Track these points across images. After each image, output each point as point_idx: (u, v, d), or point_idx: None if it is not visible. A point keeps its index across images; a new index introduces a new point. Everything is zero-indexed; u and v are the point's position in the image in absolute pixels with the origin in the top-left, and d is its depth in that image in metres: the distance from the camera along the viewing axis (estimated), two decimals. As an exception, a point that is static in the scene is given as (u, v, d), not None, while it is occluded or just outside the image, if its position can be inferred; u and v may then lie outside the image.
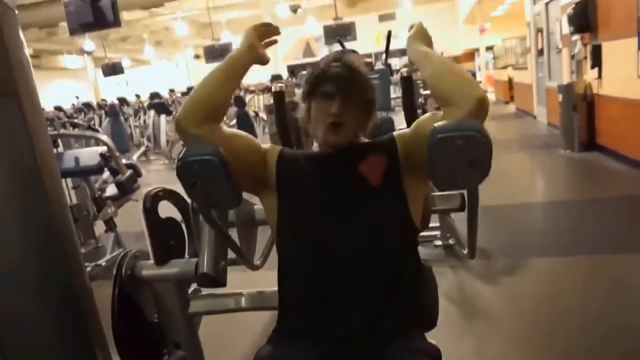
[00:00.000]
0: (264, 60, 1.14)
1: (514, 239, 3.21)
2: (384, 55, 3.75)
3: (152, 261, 1.33)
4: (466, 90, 0.95)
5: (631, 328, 2.02)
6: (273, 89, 1.36)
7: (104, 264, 3.27)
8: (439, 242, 3.11)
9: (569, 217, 3.58)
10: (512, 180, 4.88)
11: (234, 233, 1.33)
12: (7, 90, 0.95)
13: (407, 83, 1.40)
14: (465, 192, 1.07)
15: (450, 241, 3.09)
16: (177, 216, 1.45)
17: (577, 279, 2.58)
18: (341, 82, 1.07)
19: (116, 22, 7.16)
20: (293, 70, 17.97)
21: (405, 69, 1.37)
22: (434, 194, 1.38)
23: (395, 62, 15.33)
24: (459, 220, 2.78)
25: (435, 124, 0.92)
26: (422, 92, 5.72)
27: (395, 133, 1.15)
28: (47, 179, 1.12)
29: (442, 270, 2.77)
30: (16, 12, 1.00)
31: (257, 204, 1.36)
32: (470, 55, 19.47)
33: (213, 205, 1.11)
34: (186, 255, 1.43)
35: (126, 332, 1.29)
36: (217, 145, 1.02)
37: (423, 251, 2.97)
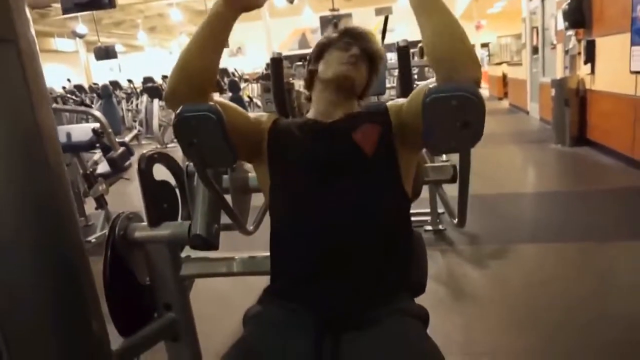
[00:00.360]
0: (252, 5, 1.00)
1: (503, 226, 3.25)
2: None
3: (145, 223, 1.33)
4: (468, 67, 0.91)
5: (615, 316, 2.05)
6: (271, 56, 1.37)
7: (93, 240, 3.26)
8: (429, 227, 3.14)
9: (557, 207, 3.63)
10: (503, 171, 4.92)
11: (228, 199, 1.34)
12: (4, 34, 0.92)
13: (404, 54, 1.41)
14: (457, 164, 1.08)
15: (440, 227, 3.13)
16: (172, 182, 1.46)
17: (564, 265, 2.62)
18: (359, 35, 1.17)
19: (111, 4, 7.04)
20: (288, 60, 17.91)
21: (403, 40, 1.39)
22: (427, 165, 1.40)
23: (390, 57, 15.32)
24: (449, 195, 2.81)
25: (430, 86, 0.93)
26: (417, 83, 5.72)
27: (388, 103, 1.17)
28: (46, 139, 1.08)
29: (432, 254, 2.80)
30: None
31: (251, 171, 1.37)
32: (466, 51, 19.52)
33: (209, 164, 1.11)
34: (179, 220, 1.43)
35: (118, 293, 1.30)
36: (215, 104, 1.02)
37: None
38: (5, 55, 0.95)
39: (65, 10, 7.10)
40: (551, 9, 6.77)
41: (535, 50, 7.91)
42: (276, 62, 1.32)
